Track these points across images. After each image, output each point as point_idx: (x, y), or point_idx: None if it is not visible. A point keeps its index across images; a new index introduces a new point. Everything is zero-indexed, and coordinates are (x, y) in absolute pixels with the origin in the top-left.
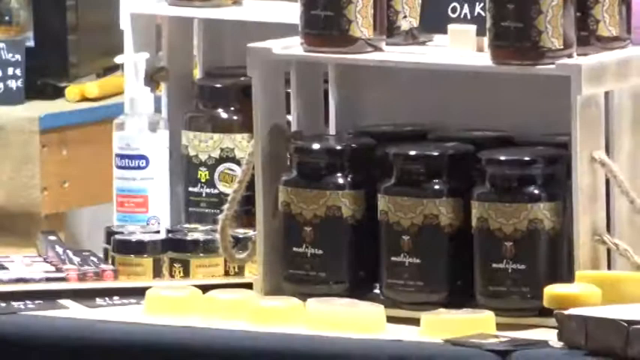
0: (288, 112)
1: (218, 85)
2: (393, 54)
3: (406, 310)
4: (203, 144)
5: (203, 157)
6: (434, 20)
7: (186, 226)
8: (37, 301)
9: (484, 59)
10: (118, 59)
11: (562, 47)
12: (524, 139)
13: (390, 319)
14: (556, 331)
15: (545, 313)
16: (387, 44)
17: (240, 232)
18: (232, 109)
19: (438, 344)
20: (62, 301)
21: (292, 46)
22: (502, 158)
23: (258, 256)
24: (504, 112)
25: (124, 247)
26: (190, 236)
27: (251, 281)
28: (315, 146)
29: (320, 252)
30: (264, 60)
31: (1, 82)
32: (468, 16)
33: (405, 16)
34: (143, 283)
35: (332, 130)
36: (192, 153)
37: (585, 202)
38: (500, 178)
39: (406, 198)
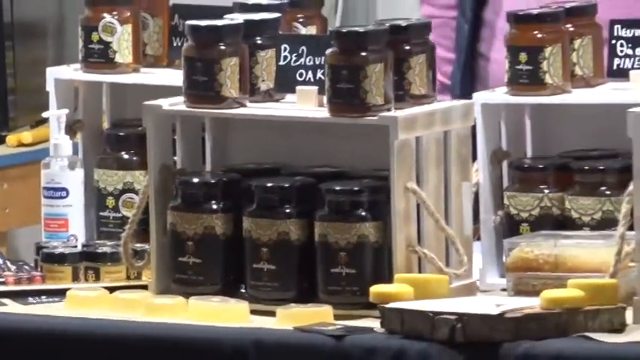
0: (175, 154)
1: (122, 134)
2: (255, 109)
3: (265, 305)
4: (110, 179)
5: (110, 188)
6: (286, 83)
7: (98, 241)
8: None
9: (324, 113)
10: (45, 114)
11: (383, 103)
12: (354, 173)
13: (253, 312)
14: (379, 320)
15: (371, 306)
16: (250, 102)
17: (139, 246)
18: (132, 152)
19: (290, 331)
20: (2, 300)
21: (178, 104)
22: (337, 188)
23: (152, 265)
24: (340, 153)
25: (50, 258)
26: (100, 249)
27: (146, 284)
28: (195, 180)
29: (199, 261)
30: (156, 114)
31: None
32: (312, 80)
33: (263, 80)
34: (64, 286)
35: (208, 167)
36: (102, 186)
37: (401, 221)
38: (336, 203)
39: (264, 219)
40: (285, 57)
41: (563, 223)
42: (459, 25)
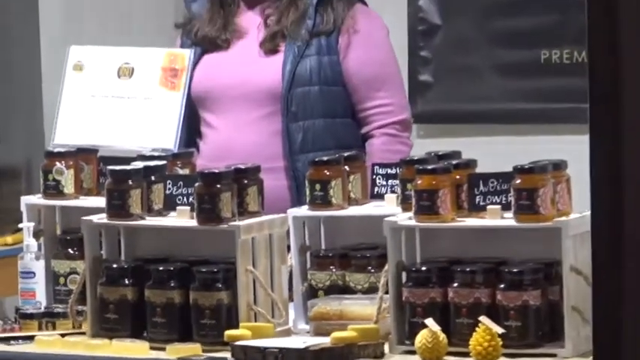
0: (101, 249)
1: (68, 237)
2: (150, 221)
3: (159, 344)
4: (61, 266)
5: (61, 272)
6: (170, 205)
7: (54, 305)
8: None
9: (194, 222)
10: (20, 225)
11: (231, 216)
12: (214, 259)
13: (152, 348)
14: (230, 353)
15: (225, 344)
16: (148, 217)
17: (80, 307)
18: (75, 248)
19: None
20: None
21: (102, 218)
22: (203, 269)
23: (88, 319)
24: (203, 247)
25: (24, 316)
26: (56, 310)
27: (85, 331)
28: (114, 265)
29: (117, 317)
30: (89, 225)
31: None
32: (186, 202)
33: (156, 203)
34: (33, 333)
35: (122, 257)
36: (56, 270)
37: (244, 290)
38: (203, 279)
39: (158, 290)
40: (169, 188)
41: (345, 290)
42: None
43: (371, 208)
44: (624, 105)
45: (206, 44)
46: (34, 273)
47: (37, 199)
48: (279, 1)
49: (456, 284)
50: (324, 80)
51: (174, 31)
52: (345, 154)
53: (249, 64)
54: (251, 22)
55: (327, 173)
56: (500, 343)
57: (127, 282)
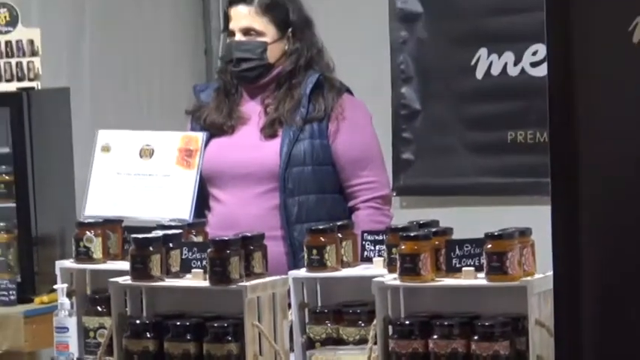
0: (126, 307)
1: (97, 297)
2: (169, 282)
3: None
4: (91, 321)
5: (91, 327)
6: (186, 268)
7: (85, 356)
8: None
9: (206, 283)
10: (55, 287)
11: (239, 277)
12: (226, 315)
13: None
14: None
15: None
16: (167, 278)
17: (108, 358)
18: (103, 306)
19: None
20: None
21: (127, 279)
22: (215, 324)
23: None
24: (217, 305)
25: None
26: None
27: None
28: (137, 321)
29: None
30: (116, 286)
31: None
32: (200, 266)
33: (174, 267)
34: None
35: (144, 314)
36: (86, 325)
37: (251, 342)
38: (215, 333)
39: (175, 342)
40: (185, 253)
41: (339, 341)
42: None
43: (361, 270)
44: (581, 179)
45: (213, 129)
46: (67, 328)
47: (69, 263)
48: (276, 92)
49: (435, 336)
50: (316, 161)
51: (185, 116)
52: (338, 224)
53: (251, 147)
54: (252, 110)
55: (323, 240)
56: None
57: (148, 335)
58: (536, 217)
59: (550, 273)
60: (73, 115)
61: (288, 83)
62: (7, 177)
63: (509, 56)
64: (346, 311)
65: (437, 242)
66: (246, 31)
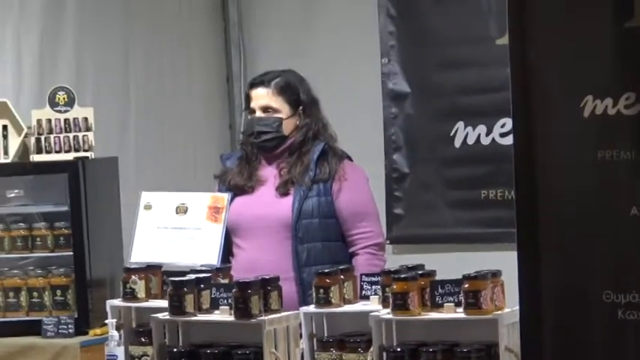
0: (165, 337)
1: (141, 329)
2: (202, 317)
3: None
4: (136, 350)
5: (136, 354)
6: (215, 305)
7: None
8: None
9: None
10: (106, 321)
11: (258, 312)
12: (248, 344)
13: None
14: None
15: None
16: (199, 314)
17: None
18: (146, 337)
19: None
20: None
21: (165, 314)
22: (239, 352)
23: None
24: (239, 336)
25: None
26: None
27: None
28: (174, 350)
29: None
30: (157, 320)
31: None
32: (227, 303)
33: (204, 304)
34: None
35: (180, 343)
36: (132, 353)
37: None
38: (239, 358)
39: None
40: (214, 293)
41: None
42: None
43: (360, 306)
44: (541, 230)
45: (237, 190)
46: (116, 355)
47: (118, 302)
48: (289, 158)
49: None
50: (323, 214)
51: (213, 179)
52: (341, 267)
53: (268, 204)
54: (269, 173)
55: (328, 281)
56: None
57: None
58: (505, 261)
59: (517, 308)
60: (121, 178)
61: (299, 151)
62: (66, 230)
63: (482, 128)
64: (348, 340)
65: (423, 282)
66: (265, 109)
